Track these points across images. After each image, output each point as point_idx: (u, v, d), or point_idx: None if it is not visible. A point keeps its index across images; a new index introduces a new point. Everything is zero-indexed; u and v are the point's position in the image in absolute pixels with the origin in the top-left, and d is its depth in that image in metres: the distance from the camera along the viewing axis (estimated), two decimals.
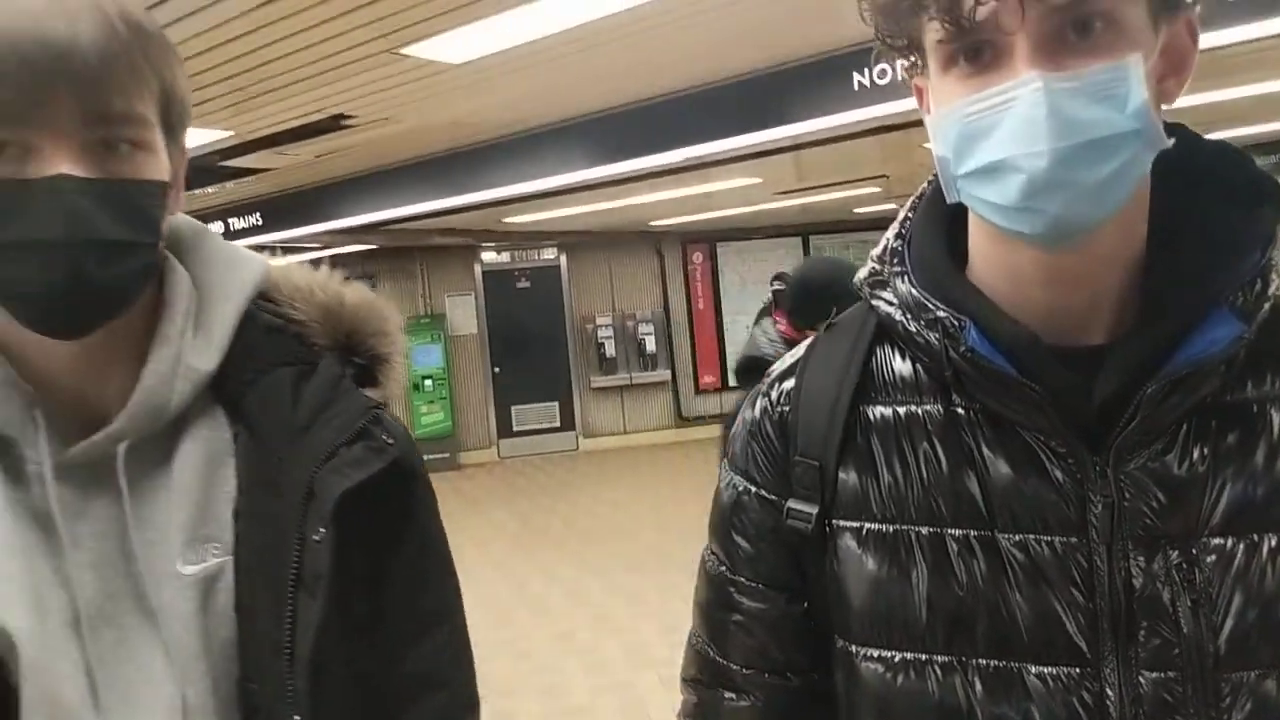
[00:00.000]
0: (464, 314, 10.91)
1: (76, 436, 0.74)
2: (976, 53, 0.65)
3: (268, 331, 0.83)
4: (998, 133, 0.64)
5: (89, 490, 0.74)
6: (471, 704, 0.89)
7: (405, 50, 3.39)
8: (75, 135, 0.67)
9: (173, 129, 0.76)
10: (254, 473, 0.78)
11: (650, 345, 11.11)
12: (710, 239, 11.35)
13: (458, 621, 0.89)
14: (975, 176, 0.67)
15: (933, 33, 0.67)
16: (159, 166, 0.73)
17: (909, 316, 0.76)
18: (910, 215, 0.82)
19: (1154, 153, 0.66)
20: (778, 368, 0.87)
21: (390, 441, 0.81)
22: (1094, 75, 0.62)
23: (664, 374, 11.26)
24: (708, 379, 11.46)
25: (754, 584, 0.84)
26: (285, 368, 0.82)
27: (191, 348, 0.78)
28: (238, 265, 0.83)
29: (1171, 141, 0.67)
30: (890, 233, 0.82)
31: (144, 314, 0.77)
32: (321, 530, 0.75)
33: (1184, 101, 0.70)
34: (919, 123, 0.72)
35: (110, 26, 0.67)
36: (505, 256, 11.06)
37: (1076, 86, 0.62)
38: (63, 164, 0.67)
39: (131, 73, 0.69)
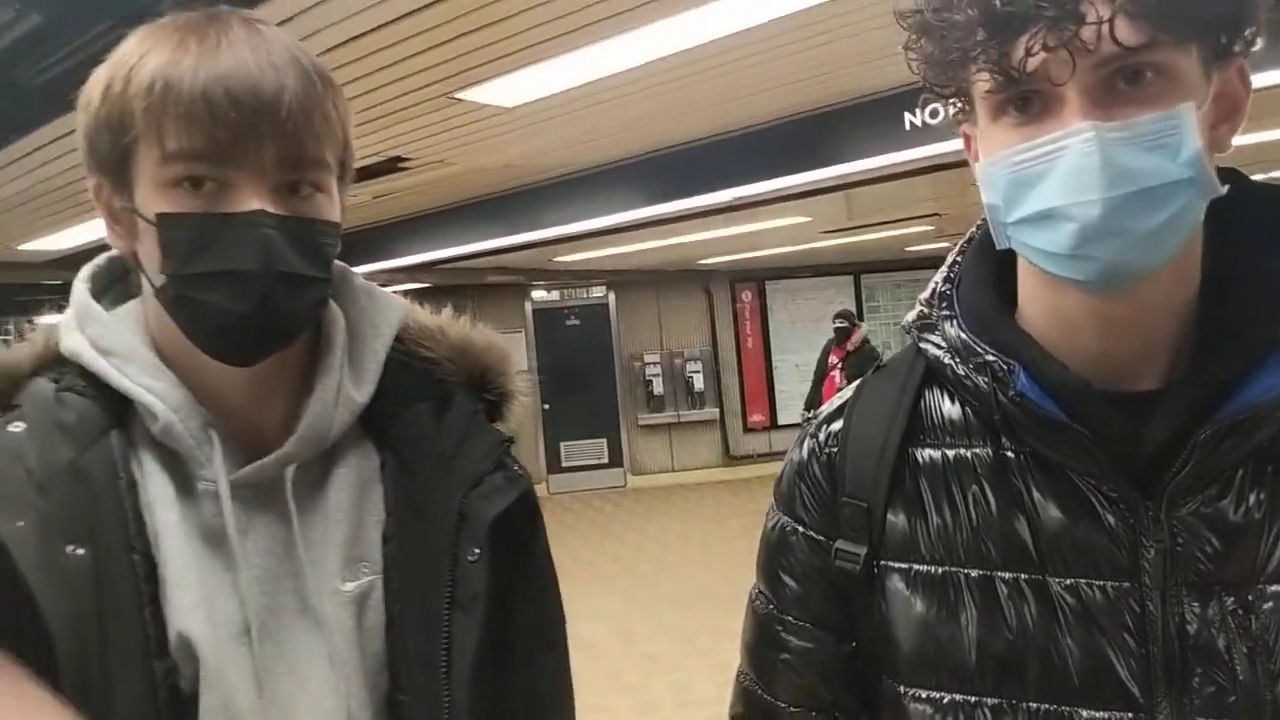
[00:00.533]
0: (514, 351, 10.97)
1: (242, 459, 0.79)
2: (1026, 102, 0.66)
3: (405, 368, 0.88)
4: (1049, 181, 0.65)
5: (254, 509, 0.79)
6: None
7: (461, 95, 3.48)
8: (270, 176, 0.73)
9: (344, 174, 0.82)
10: (402, 497, 0.83)
11: (698, 383, 11.09)
12: (759, 278, 11.34)
13: (564, 648, 0.93)
14: (1026, 224, 0.67)
15: (982, 83, 0.67)
16: (334, 208, 0.79)
17: (957, 360, 0.76)
18: (959, 259, 0.82)
19: (1206, 200, 0.66)
20: (825, 409, 0.88)
21: (522, 473, 0.87)
22: (1146, 125, 0.63)
23: (712, 412, 11.22)
24: (756, 417, 11.39)
25: (801, 623, 0.84)
26: (424, 401, 0.87)
27: (349, 380, 0.83)
28: (383, 305, 0.89)
29: (1225, 189, 0.66)
30: (938, 276, 0.83)
31: (303, 348, 0.82)
32: (476, 551, 0.80)
33: (1239, 140, 0.70)
34: (964, 162, 0.73)
35: (310, 80, 0.74)
36: (555, 295, 11.16)
37: (1128, 136, 0.62)
38: (257, 201, 0.72)
39: (325, 122, 0.75)
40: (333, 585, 0.79)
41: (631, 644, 5.49)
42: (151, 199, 0.73)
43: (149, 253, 0.74)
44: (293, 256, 0.73)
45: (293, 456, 0.79)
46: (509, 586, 0.86)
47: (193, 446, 0.77)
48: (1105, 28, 0.61)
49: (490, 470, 0.84)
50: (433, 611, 0.79)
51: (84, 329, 0.79)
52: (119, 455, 0.75)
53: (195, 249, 0.72)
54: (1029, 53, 0.63)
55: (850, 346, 7.69)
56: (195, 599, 0.74)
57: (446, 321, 0.92)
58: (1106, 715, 0.69)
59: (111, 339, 0.78)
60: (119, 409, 0.77)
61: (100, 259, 0.86)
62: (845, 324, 7.84)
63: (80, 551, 0.71)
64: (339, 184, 0.80)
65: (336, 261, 0.88)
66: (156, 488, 0.76)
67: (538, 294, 11.08)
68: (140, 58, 0.72)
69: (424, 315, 0.92)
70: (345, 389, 0.82)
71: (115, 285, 0.86)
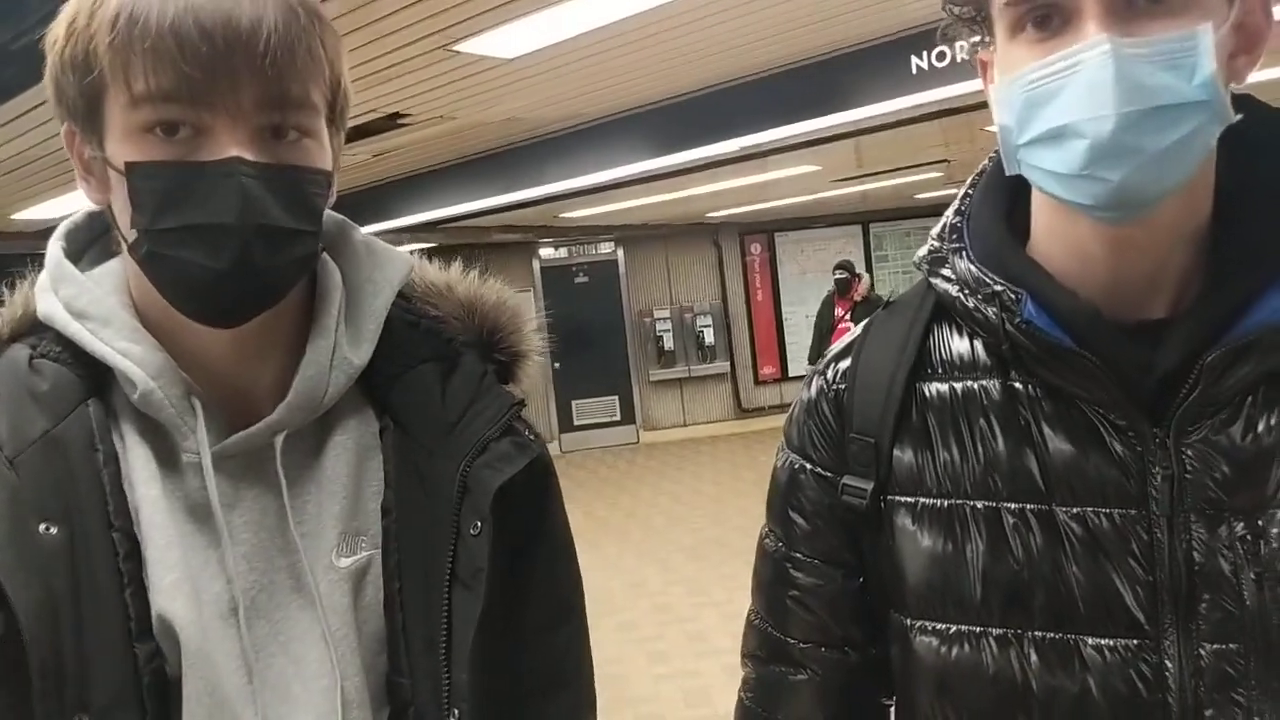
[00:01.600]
0: (527, 308, 10.98)
1: (228, 427, 0.74)
2: (1045, 18, 0.65)
3: (405, 326, 0.83)
4: (1063, 97, 0.64)
5: (242, 481, 0.74)
6: (592, 702, 0.90)
7: (458, 47, 3.42)
8: (250, 119, 0.67)
9: (335, 120, 0.75)
10: (403, 466, 0.78)
11: (709, 337, 11.09)
12: (768, 229, 11.27)
13: (583, 617, 0.90)
14: (1037, 144, 0.67)
15: None
16: (324, 155, 0.73)
17: (967, 293, 0.76)
18: (970, 192, 0.82)
19: (1220, 126, 0.64)
20: (835, 348, 0.88)
21: (533, 438, 0.82)
22: (1164, 42, 0.61)
23: (723, 366, 11.23)
24: (767, 370, 11.39)
25: (811, 560, 0.85)
26: (428, 363, 0.82)
27: (345, 340, 0.78)
28: (384, 260, 0.83)
29: (1239, 117, 0.65)
30: (949, 210, 0.82)
31: (296, 307, 0.77)
32: (479, 524, 0.75)
33: (1261, 75, 0.69)
34: (980, 105, 0.72)
35: (293, 11, 0.67)
36: (563, 252, 11.12)
37: (1145, 53, 0.61)
38: (235, 147, 0.66)
39: (310, 59, 0.68)
40: (328, 560, 0.75)
41: (646, 596, 5.55)
42: (122, 147, 0.67)
43: (121, 206, 0.69)
44: (274, 208, 0.67)
45: (283, 424, 0.74)
46: (522, 558, 0.82)
47: (174, 415, 0.72)
48: None
49: (497, 436, 0.79)
50: (433, 588, 0.75)
51: (58, 291, 0.74)
52: (97, 425, 0.71)
53: (167, 201, 0.66)
54: None
55: (857, 297, 7.63)
56: (177, 578, 0.70)
57: (455, 278, 0.87)
58: (1113, 643, 0.70)
59: (87, 301, 0.73)
60: (98, 376, 0.73)
61: (78, 215, 0.81)
62: (845, 275, 7.78)
63: (53, 530, 0.67)
64: (331, 129, 0.74)
65: (335, 214, 0.83)
66: (138, 460, 0.72)
67: (545, 252, 11.04)
68: None
69: (432, 271, 0.87)
70: (341, 350, 0.77)
71: (95, 244, 0.80)
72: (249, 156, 0.66)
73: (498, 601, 0.77)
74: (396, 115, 4.43)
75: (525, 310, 0.90)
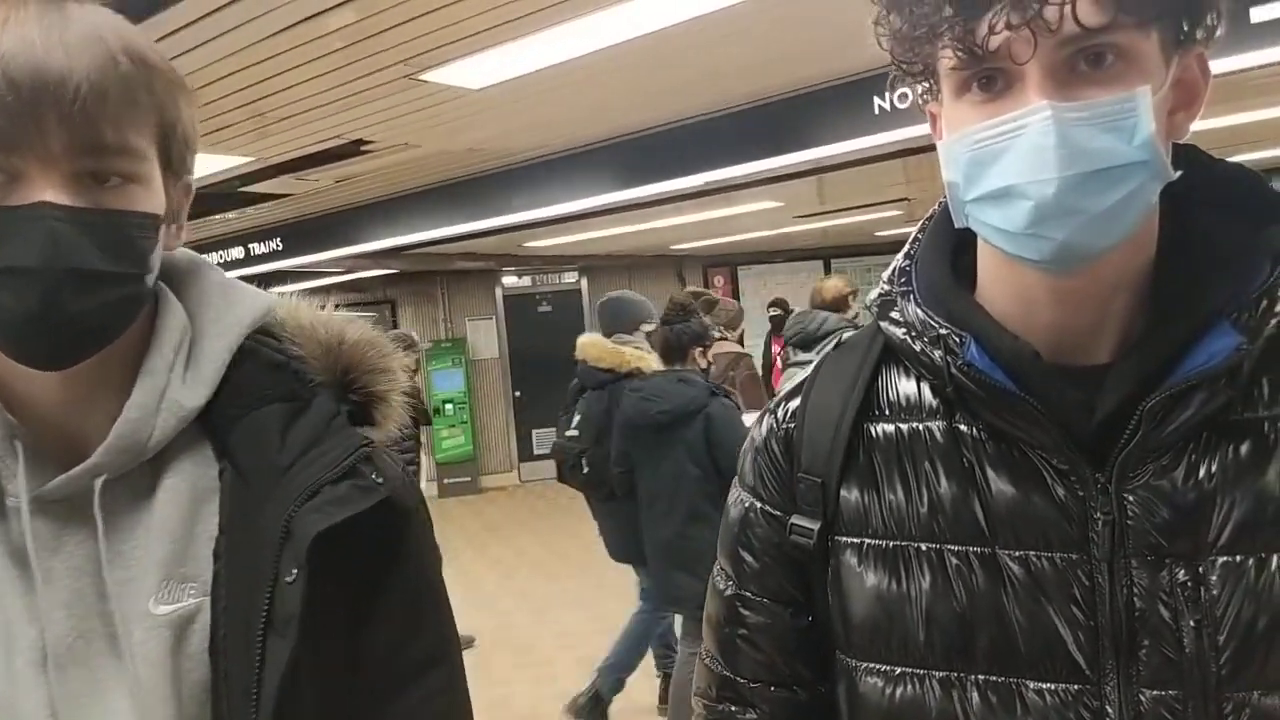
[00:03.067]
0: (485, 338, 10.94)
1: (56, 470, 0.73)
2: (989, 80, 0.66)
3: (271, 368, 0.81)
4: (1007, 159, 0.65)
5: (65, 526, 0.73)
6: None
7: (424, 76, 3.42)
8: (63, 165, 0.67)
9: (171, 163, 0.75)
10: (235, 511, 0.76)
11: None
12: (731, 262, 11.36)
13: (452, 666, 0.86)
14: (983, 202, 0.68)
15: (946, 60, 0.68)
16: (152, 200, 0.72)
17: (914, 335, 0.77)
18: (920, 236, 0.83)
19: (1160, 184, 0.66)
20: (786, 387, 0.89)
21: (379, 481, 0.79)
22: (1104, 106, 0.63)
23: None
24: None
25: (760, 599, 0.85)
26: (276, 404, 0.80)
27: (180, 383, 0.76)
28: (234, 300, 0.82)
29: (1178, 174, 0.67)
30: (900, 254, 0.83)
31: (134, 347, 0.76)
32: (294, 570, 0.73)
33: (1203, 125, 0.70)
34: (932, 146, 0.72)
35: (109, 59, 0.67)
36: (526, 280, 11.09)
37: (1085, 116, 0.63)
38: (47, 192, 0.66)
39: (128, 105, 0.68)
40: (144, 607, 0.72)
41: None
42: None
43: None
44: (87, 251, 0.66)
45: (102, 468, 0.72)
46: (367, 605, 0.80)
47: None
48: (1068, 8, 0.61)
49: (334, 479, 0.76)
50: (251, 635, 0.73)
51: None
52: None
53: None
54: (992, 30, 0.63)
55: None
56: None
57: (322, 317, 0.86)
58: (1054, 687, 0.70)
59: None
60: None
61: None
62: (780, 312, 7.82)
63: None
64: (166, 172, 0.74)
65: (192, 255, 0.83)
66: None
67: (508, 280, 11.01)
68: None
69: (304, 312, 0.86)
70: (173, 393, 0.75)
71: None
72: (61, 200, 0.66)
73: (335, 652, 0.75)
74: (360, 142, 4.42)
75: (390, 350, 0.88)
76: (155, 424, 0.74)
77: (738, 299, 11.37)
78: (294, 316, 0.85)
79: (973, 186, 0.68)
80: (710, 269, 11.40)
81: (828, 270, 11.55)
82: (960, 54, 0.66)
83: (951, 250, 0.79)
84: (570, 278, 11.16)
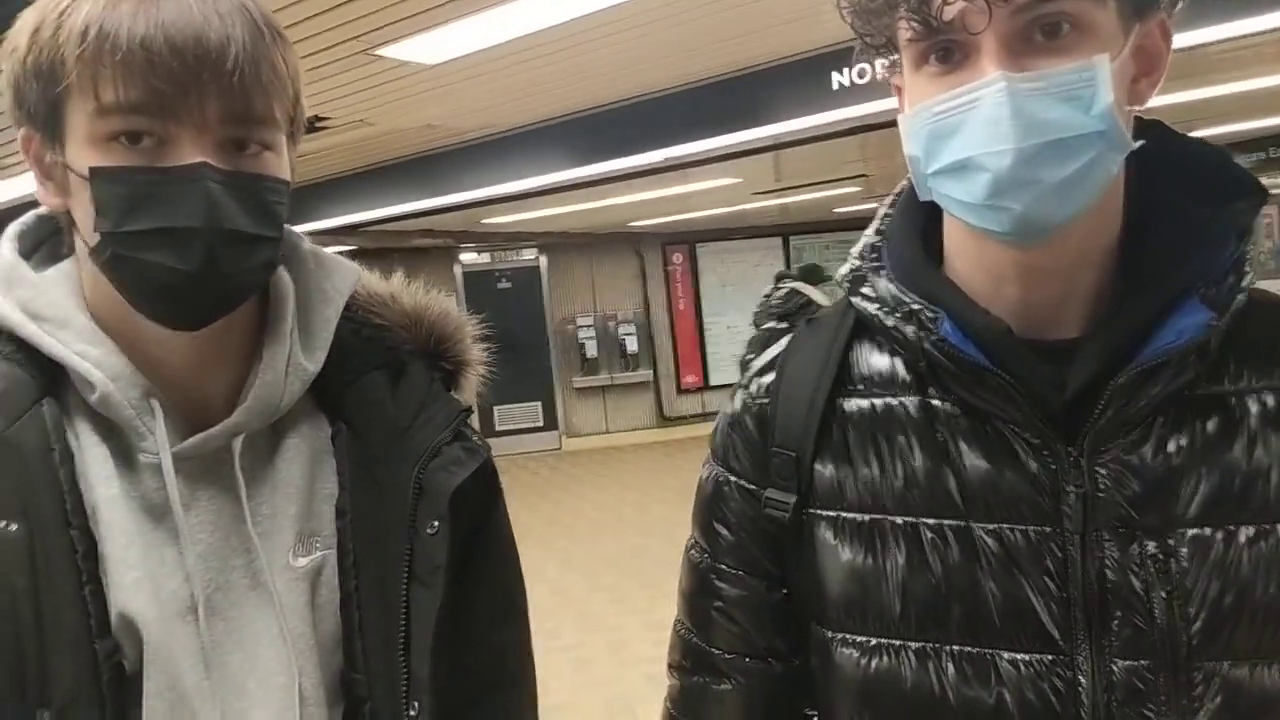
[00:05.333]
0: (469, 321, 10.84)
1: (184, 429, 0.75)
2: (946, 52, 0.67)
3: (362, 336, 0.85)
4: (964, 131, 0.66)
5: (198, 482, 0.75)
6: (534, 702, 0.92)
7: (380, 51, 3.37)
8: (214, 131, 0.69)
9: (294, 133, 0.78)
10: (357, 469, 0.80)
11: (631, 345, 11.09)
12: (690, 240, 11.34)
13: (526, 616, 0.92)
14: (944, 174, 0.69)
15: (903, 31, 0.68)
16: (283, 166, 0.75)
17: (886, 311, 0.77)
18: (890, 212, 0.83)
19: (1120, 154, 0.67)
20: (758, 362, 0.89)
21: (481, 443, 0.85)
22: (1060, 76, 0.64)
23: (646, 374, 11.24)
24: (689, 379, 11.45)
25: (735, 571, 0.85)
26: (378, 370, 0.84)
27: (299, 347, 0.79)
28: (332, 270, 0.85)
29: (1139, 143, 0.67)
30: (869, 229, 0.84)
31: (249, 314, 0.79)
32: (436, 524, 0.78)
33: (1166, 99, 0.72)
34: (897, 123, 0.73)
35: (258, 30, 0.69)
36: (485, 257, 11.01)
37: (1041, 87, 0.63)
38: (200, 155, 0.68)
39: (274, 76, 0.71)
40: (284, 560, 0.76)
41: (569, 604, 5.52)
42: (84, 153, 0.68)
43: (83, 210, 0.70)
44: (239, 214, 0.69)
45: (241, 427, 0.76)
46: (469, 559, 0.84)
47: (132, 417, 0.72)
48: None
49: (449, 440, 0.81)
50: (390, 586, 0.77)
51: (12, 292, 0.74)
52: (52, 426, 0.71)
53: (132, 205, 0.67)
54: (946, 1, 0.64)
55: None
56: (138, 576, 0.70)
57: (399, 288, 0.90)
58: (1028, 657, 0.71)
59: (43, 303, 0.73)
60: (52, 377, 0.73)
61: (28, 217, 0.80)
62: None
63: (12, 527, 0.67)
64: (289, 142, 0.77)
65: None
66: (95, 460, 0.72)
67: (467, 257, 10.92)
68: (72, 0, 0.67)
69: (376, 281, 0.90)
70: (296, 357, 0.79)
71: (44, 245, 0.81)
72: (215, 164, 0.68)
73: (448, 598, 0.79)
74: (316, 119, 4.34)
75: (467, 322, 0.93)
76: (285, 386, 0.78)
77: (696, 276, 11.41)
78: (366, 286, 0.88)
79: (933, 160, 0.69)
80: (669, 246, 11.38)
81: (786, 247, 11.61)
82: (916, 25, 0.66)
83: (921, 226, 0.80)
84: (529, 254, 11.10)
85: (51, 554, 0.68)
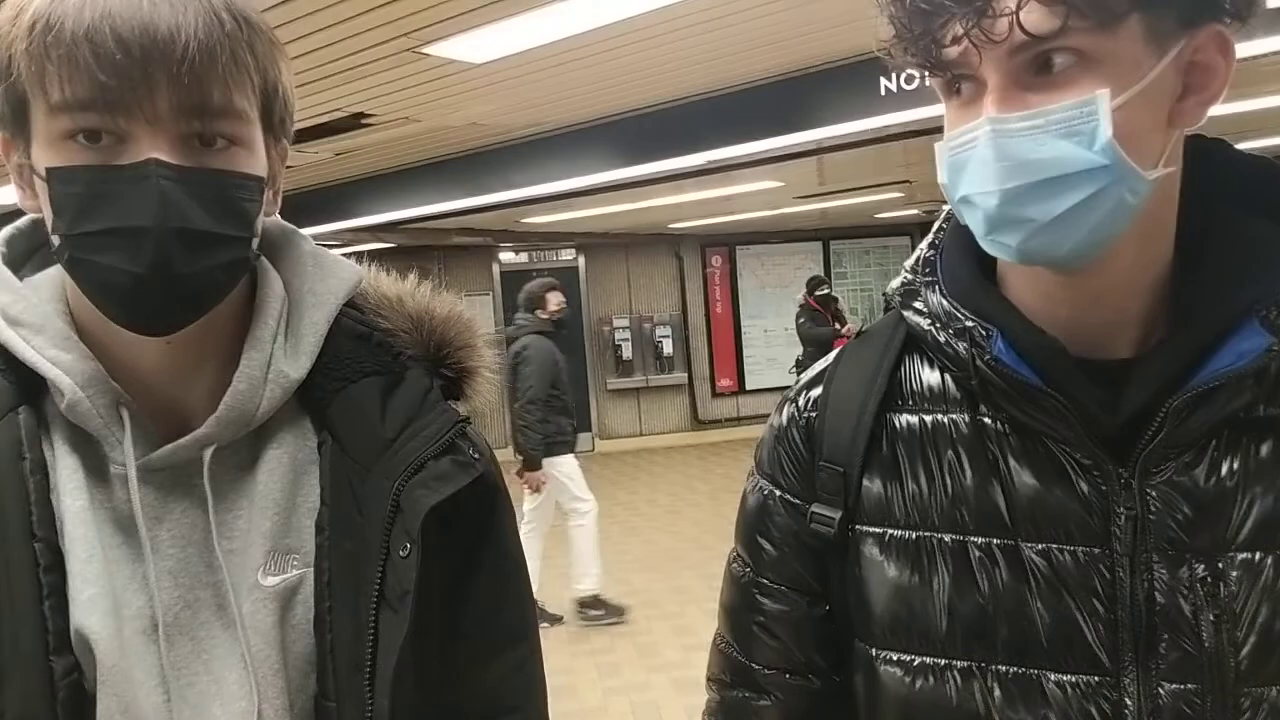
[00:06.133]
0: (482, 314, 10.91)
1: (159, 439, 0.73)
2: (959, 88, 0.67)
3: (361, 341, 0.81)
4: (968, 169, 0.67)
5: (170, 495, 0.73)
6: None
7: (426, 49, 3.39)
8: (171, 126, 0.66)
9: (273, 127, 0.74)
10: (338, 483, 0.76)
11: (667, 348, 11.09)
12: (729, 242, 11.33)
13: (532, 642, 0.87)
14: (960, 205, 0.70)
15: (918, 67, 0.69)
16: (255, 162, 0.71)
17: (938, 326, 0.76)
18: (944, 225, 0.83)
19: (1134, 184, 0.64)
20: (806, 376, 0.88)
21: (476, 456, 0.80)
22: (1055, 113, 0.63)
23: (681, 377, 11.24)
24: (724, 382, 11.43)
25: (778, 586, 0.85)
26: (372, 377, 0.80)
27: (282, 354, 0.76)
28: (329, 271, 0.81)
29: (1166, 170, 0.65)
30: (924, 243, 0.83)
31: (233, 316, 0.76)
32: (408, 545, 0.73)
33: (1216, 110, 0.68)
34: (943, 128, 0.71)
35: (215, 18, 0.66)
36: (523, 257, 11.07)
37: (1038, 125, 0.63)
38: (154, 152, 0.65)
39: (234, 66, 0.67)
40: (253, 578, 0.73)
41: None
42: (45, 153, 0.66)
43: (47, 212, 0.68)
44: (195, 211, 0.65)
45: (211, 438, 0.72)
46: (462, 579, 0.81)
47: (101, 425, 0.70)
48: (1015, 17, 0.61)
49: (437, 455, 0.77)
50: (361, 609, 0.73)
51: None
52: (26, 434, 0.69)
53: (84, 205, 0.65)
54: (940, 44, 0.64)
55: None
56: (96, 592, 0.68)
57: (407, 290, 0.86)
58: (1074, 679, 0.70)
59: (22, 308, 0.72)
60: (31, 384, 0.71)
61: (21, 222, 0.79)
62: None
63: None
64: (268, 135, 0.73)
65: (284, 224, 0.82)
66: (66, 470, 0.70)
67: (505, 256, 10.98)
68: None
69: (386, 283, 0.86)
70: (278, 364, 0.75)
71: (39, 251, 0.79)
72: (168, 159, 0.65)
73: (431, 625, 0.76)
74: (360, 115, 4.38)
75: (478, 325, 0.88)
76: (263, 395, 0.75)
77: (734, 279, 11.37)
78: (376, 288, 0.85)
79: (954, 190, 0.70)
80: (708, 248, 11.37)
81: (826, 251, 11.53)
82: (924, 64, 0.67)
83: (975, 242, 0.78)
84: (567, 254, 11.13)
85: (12, 567, 0.66)
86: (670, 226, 10.11)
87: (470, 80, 3.88)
